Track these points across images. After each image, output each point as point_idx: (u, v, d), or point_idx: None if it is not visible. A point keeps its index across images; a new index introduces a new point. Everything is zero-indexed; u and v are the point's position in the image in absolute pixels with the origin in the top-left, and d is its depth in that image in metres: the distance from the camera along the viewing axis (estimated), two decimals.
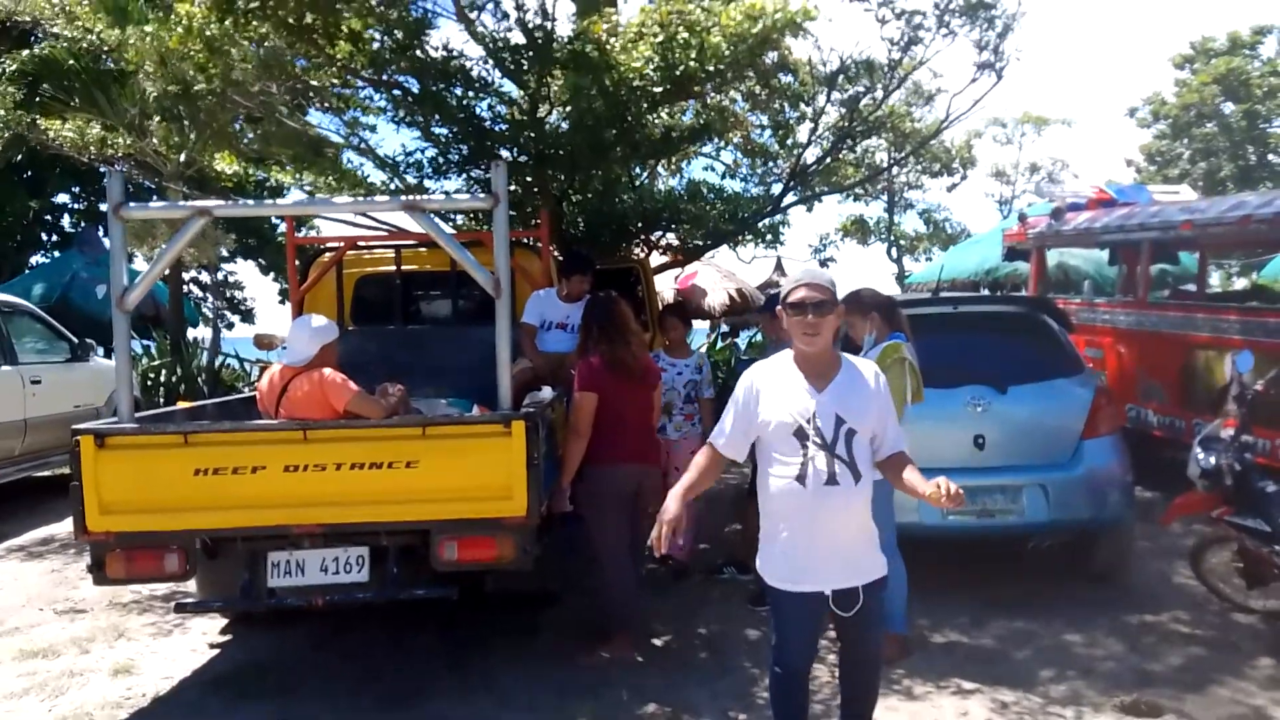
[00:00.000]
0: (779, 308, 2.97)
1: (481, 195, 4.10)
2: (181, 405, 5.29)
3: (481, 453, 3.95)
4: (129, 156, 7.67)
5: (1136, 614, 4.88)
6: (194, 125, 7.18)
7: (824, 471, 2.84)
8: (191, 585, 4.85)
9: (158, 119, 6.94)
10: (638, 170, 8.40)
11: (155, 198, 11.73)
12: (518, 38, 5.89)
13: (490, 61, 6.12)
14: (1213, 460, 4.40)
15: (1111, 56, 47.27)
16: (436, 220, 4.13)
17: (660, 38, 5.32)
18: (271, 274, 23.24)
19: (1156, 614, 4.88)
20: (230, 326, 22.15)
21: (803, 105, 9.54)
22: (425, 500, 3.92)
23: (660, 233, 7.61)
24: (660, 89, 5.44)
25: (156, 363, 12.00)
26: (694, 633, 4.77)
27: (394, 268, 6.34)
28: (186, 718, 3.96)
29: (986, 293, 12.15)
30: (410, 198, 4.24)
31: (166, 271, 15.70)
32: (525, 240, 6.56)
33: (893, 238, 28.89)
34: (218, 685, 4.25)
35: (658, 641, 4.68)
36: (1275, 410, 5.13)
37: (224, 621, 5.11)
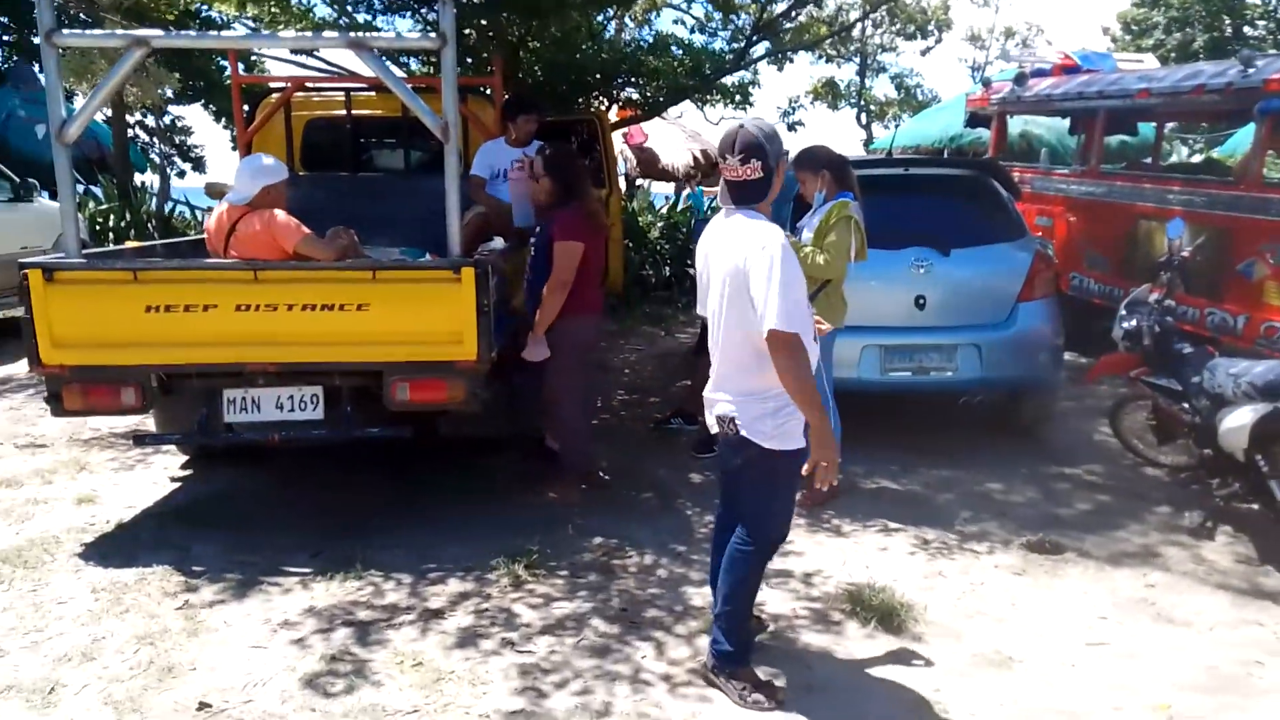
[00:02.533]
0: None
1: (431, 35, 4.00)
2: (130, 245, 5.26)
3: (432, 298, 4.02)
4: None
5: (1054, 466, 5.21)
6: None
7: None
8: (150, 422, 5.00)
9: None
10: (600, 19, 8.14)
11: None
12: None
13: None
14: (1134, 322, 4.62)
15: None
16: (386, 62, 4.05)
17: None
18: (223, 121, 22.35)
19: (1072, 466, 5.21)
20: (181, 175, 21.41)
21: None
22: (377, 343, 4.02)
23: (620, 87, 7.45)
24: None
25: (104, 207, 11.69)
26: (639, 477, 5.00)
27: (345, 112, 6.21)
28: (148, 542, 4.12)
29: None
30: (357, 34, 4.15)
31: (108, 110, 15.11)
32: (479, 88, 6.43)
33: (863, 102, 28.49)
34: (178, 515, 4.43)
35: (603, 486, 4.90)
36: (1201, 278, 5.34)
37: (183, 459, 5.26)
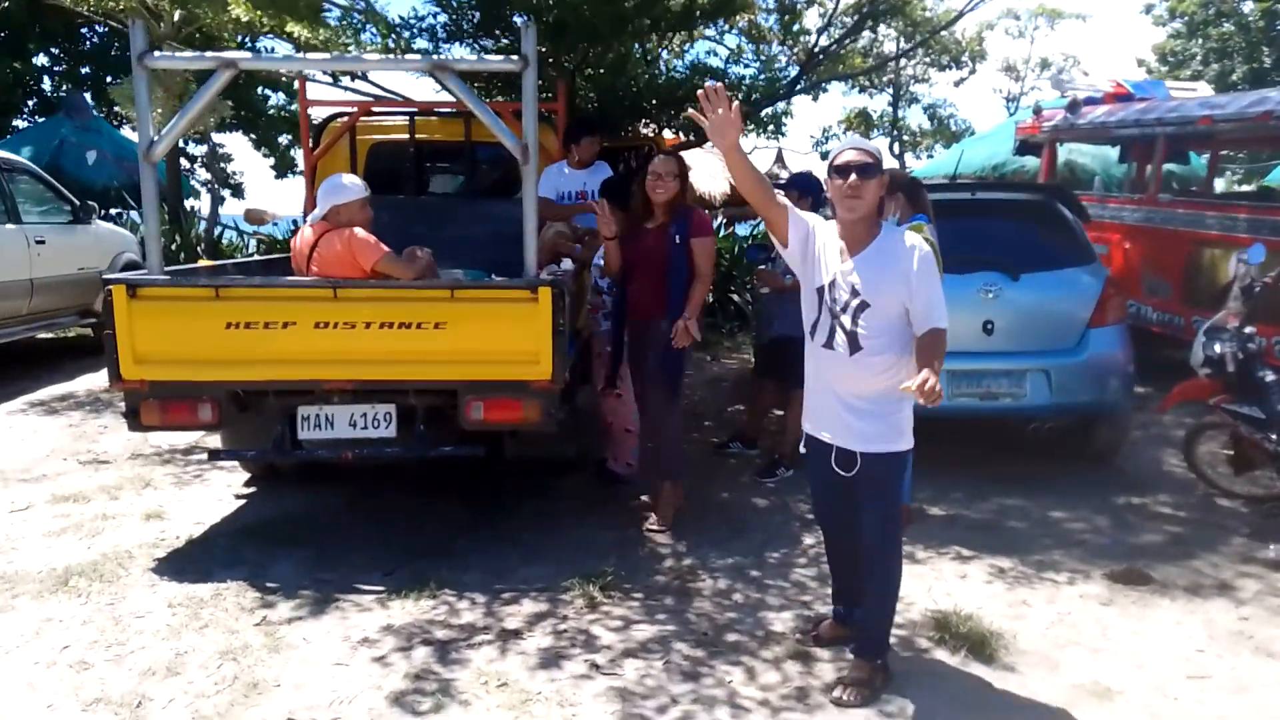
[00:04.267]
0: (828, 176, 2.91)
1: (512, 58, 4.04)
2: (203, 264, 5.32)
3: (509, 318, 4.02)
4: (128, 10, 7.39)
5: (1125, 495, 5.10)
6: None
7: (826, 334, 2.96)
8: (214, 439, 5.02)
9: None
10: (650, 46, 8.20)
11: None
12: None
13: None
14: (1217, 348, 4.53)
15: None
16: (465, 85, 4.08)
17: None
18: (263, 149, 22.77)
19: (1144, 495, 5.10)
20: (221, 201, 21.80)
21: None
22: (453, 361, 4.02)
23: (673, 112, 7.48)
24: None
25: None
26: (705, 502, 4.95)
27: (408, 136, 6.27)
28: (222, 558, 4.13)
29: None
30: (439, 58, 4.19)
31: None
32: (541, 113, 6.46)
33: (896, 132, 28.54)
34: (248, 532, 4.43)
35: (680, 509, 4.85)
36: (1270, 306, 5.22)
37: (245, 477, 5.28)
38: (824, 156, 23.83)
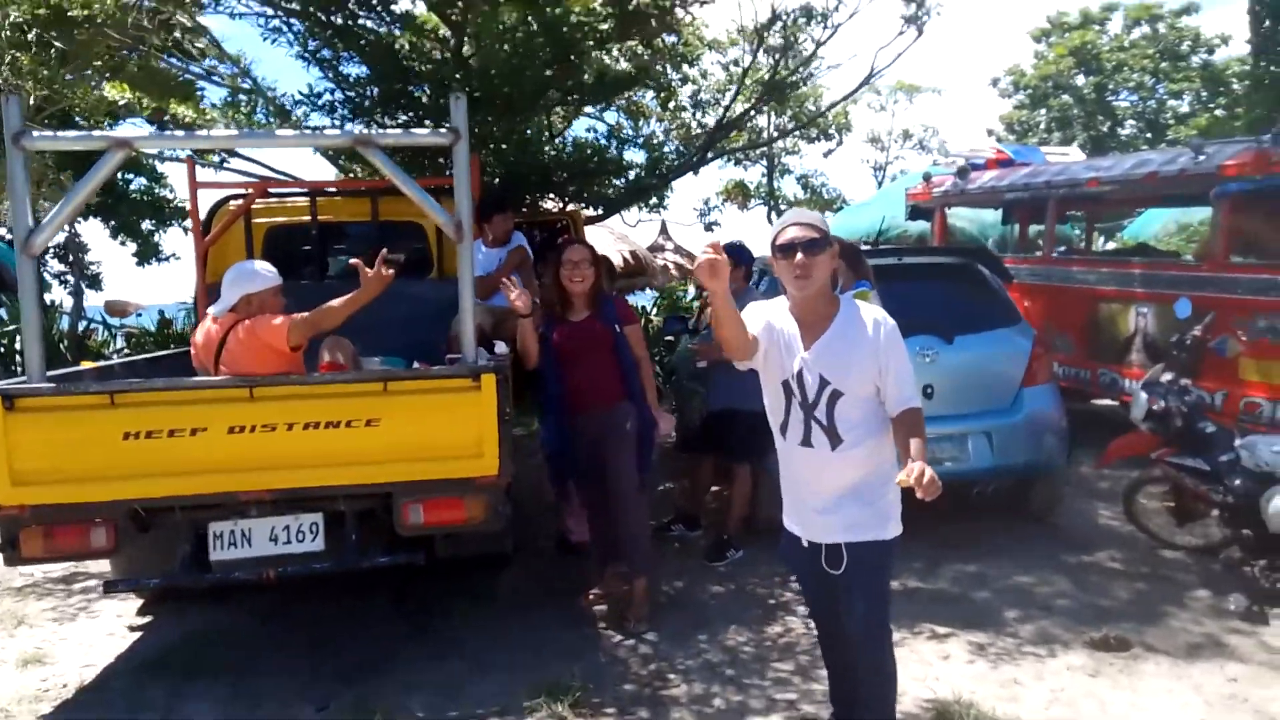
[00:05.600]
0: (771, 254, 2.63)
1: (440, 130, 3.78)
2: (86, 365, 4.75)
3: (449, 408, 3.69)
4: None
5: (1073, 554, 5.06)
6: (62, 55, 6.41)
7: (800, 432, 2.67)
8: (103, 565, 4.43)
9: (22, 49, 6.15)
10: (555, 119, 8.08)
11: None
12: None
13: None
14: (1161, 403, 4.57)
15: (977, 29, 49.38)
16: (389, 160, 3.78)
17: None
18: (120, 237, 21.50)
19: (1092, 553, 5.07)
20: (78, 293, 20.38)
21: (685, 67, 9.50)
22: (387, 460, 3.65)
23: (582, 185, 7.33)
24: (606, 25, 5.17)
25: (11, 328, 10.88)
26: (657, 591, 4.64)
27: (308, 217, 5.88)
28: (123, 706, 3.56)
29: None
30: (363, 132, 3.87)
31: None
32: (448, 189, 6.20)
33: (773, 201, 29.44)
34: (152, 670, 3.87)
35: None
36: (1198, 358, 5.39)
37: (138, 603, 4.67)
38: (708, 228, 24.22)
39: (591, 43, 5.43)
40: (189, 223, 19.35)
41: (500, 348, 4.58)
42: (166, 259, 22.49)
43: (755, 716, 3.40)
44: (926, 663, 3.80)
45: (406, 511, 3.69)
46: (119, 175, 20.09)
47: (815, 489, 2.71)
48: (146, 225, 21.77)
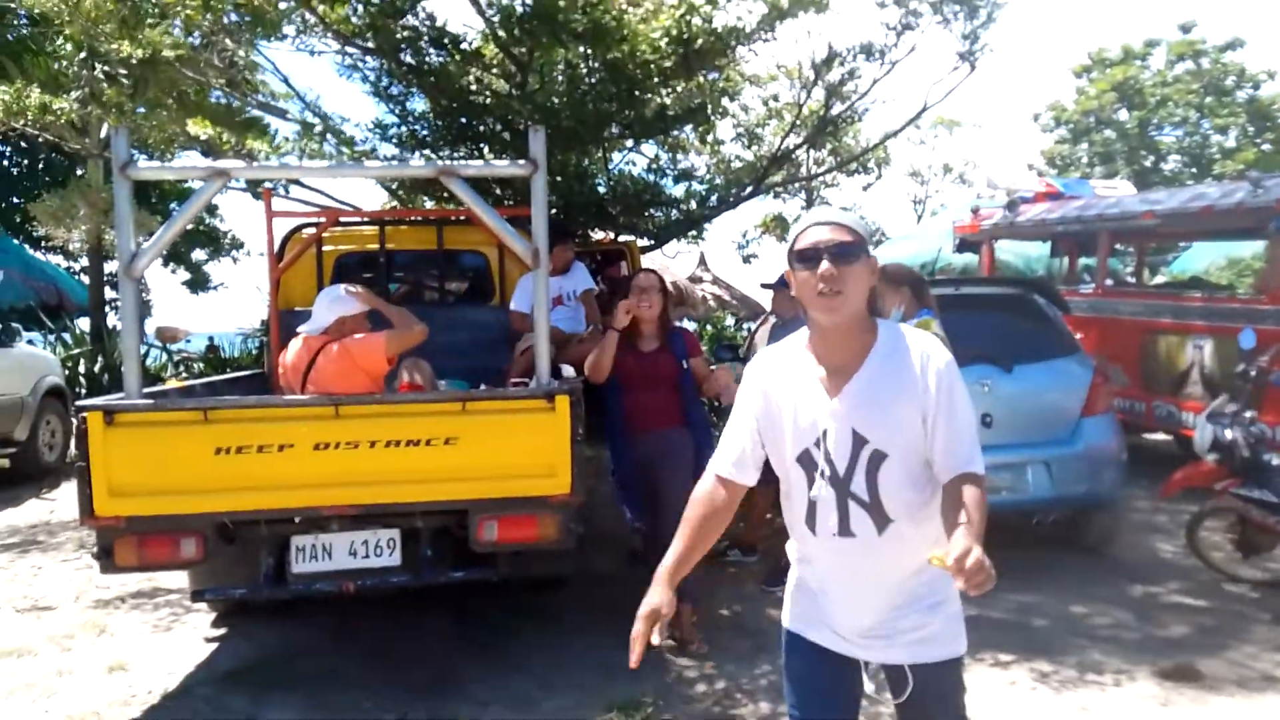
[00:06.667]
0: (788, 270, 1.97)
1: (520, 162, 3.93)
2: (172, 384, 4.95)
3: (524, 429, 3.80)
4: (110, 119, 7.05)
5: (1133, 584, 5.04)
6: (147, 91, 6.71)
7: (835, 518, 1.93)
8: (179, 579, 4.58)
9: (110, 84, 6.46)
10: (609, 152, 8.27)
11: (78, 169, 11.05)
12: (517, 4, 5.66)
13: (484, 30, 5.89)
14: (1227, 434, 4.57)
15: (1018, 64, 49.46)
16: (469, 191, 3.94)
17: (681, 8, 5.18)
18: (170, 265, 22.09)
19: (1153, 584, 5.05)
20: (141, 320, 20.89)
21: (726, 101, 9.68)
22: (464, 479, 3.76)
23: (638, 216, 7.49)
24: (670, 63, 5.33)
25: (75, 352, 11.26)
26: (718, 615, 4.70)
27: (377, 246, 6.07)
28: (207, 713, 3.68)
29: None
30: (445, 163, 4.05)
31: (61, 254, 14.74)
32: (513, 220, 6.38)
33: None
34: (233, 680, 3.99)
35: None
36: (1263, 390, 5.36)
37: (212, 616, 4.81)
38: (745, 260, 24.28)
39: (656, 80, 5.59)
40: (238, 253, 19.67)
41: (568, 371, 4.70)
42: (214, 288, 23.13)
43: None
44: (992, 689, 3.81)
45: (481, 528, 3.79)
46: (172, 206, 20.72)
47: (858, 592, 1.98)
48: (197, 255, 22.38)
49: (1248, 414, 4.66)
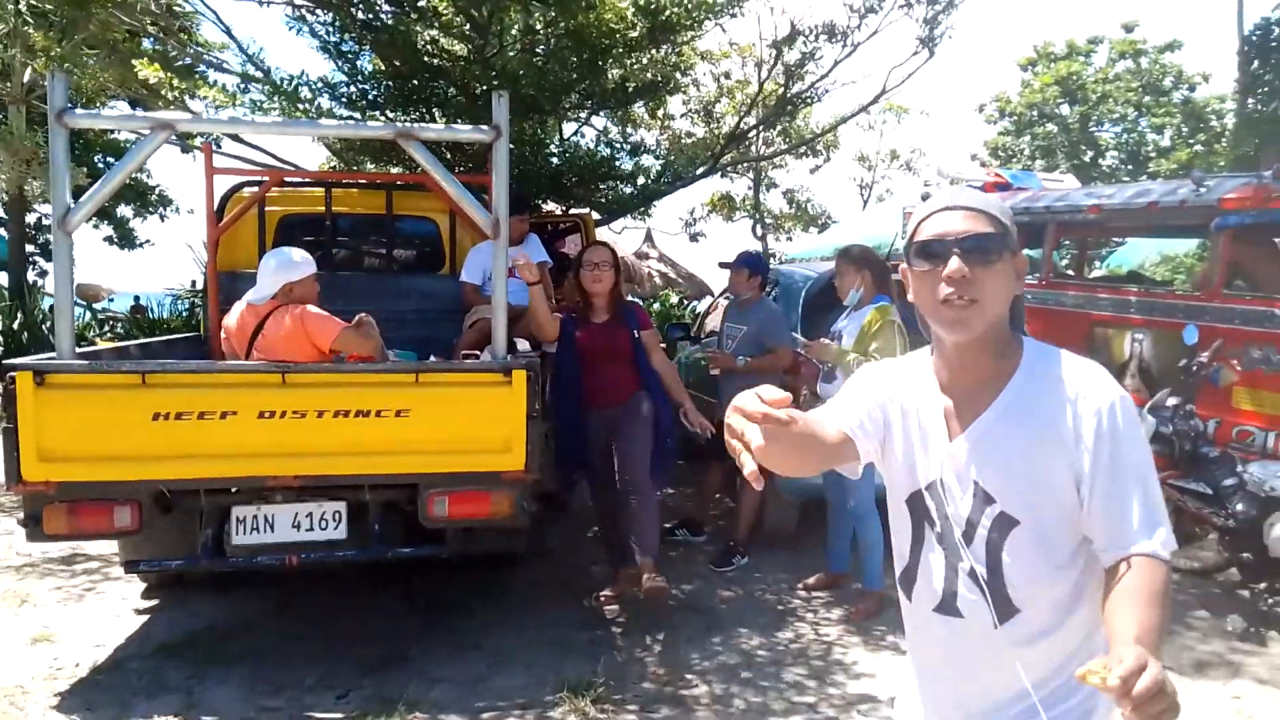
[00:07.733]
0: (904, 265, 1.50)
1: (482, 127, 3.80)
2: (103, 345, 4.72)
3: (479, 403, 3.71)
4: (48, 63, 6.63)
5: None
6: (73, 34, 6.35)
7: (939, 587, 1.51)
8: (104, 546, 4.40)
9: (36, 27, 6.10)
10: (565, 123, 8.13)
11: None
12: None
13: None
14: (1168, 427, 4.68)
15: (965, 55, 50.15)
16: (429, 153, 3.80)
17: None
18: (92, 220, 21.21)
19: None
20: (43, 275, 20.08)
21: (678, 76, 9.64)
22: (415, 452, 3.67)
23: (589, 189, 7.37)
24: (635, 33, 5.23)
25: None
26: (667, 591, 4.66)
27: (323, 208, 5.86)
28: (141, 687, 3.53)
29: None
30: (405, 125, 3.90)
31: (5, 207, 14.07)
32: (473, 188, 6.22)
33: (758, 215, 29.63)
34: (168, 653, 3.84)
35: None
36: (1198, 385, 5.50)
37: (141, 587, 4.63)
38: (693, 239, 24.15)
39: (620, 50, 5.48)
40: (167, 209, 19.11)
41: (523, 345, 4.60)
42: (141, 244, 22.31)
43: (776, 718, 3.43)
44: None
45: (431, 503, 3.70)
46: (97, 159, 19.89)
47: (961, 688, 1.54)
48: (123, 210, 21.53)
49: (1188, 408, 4.78)
